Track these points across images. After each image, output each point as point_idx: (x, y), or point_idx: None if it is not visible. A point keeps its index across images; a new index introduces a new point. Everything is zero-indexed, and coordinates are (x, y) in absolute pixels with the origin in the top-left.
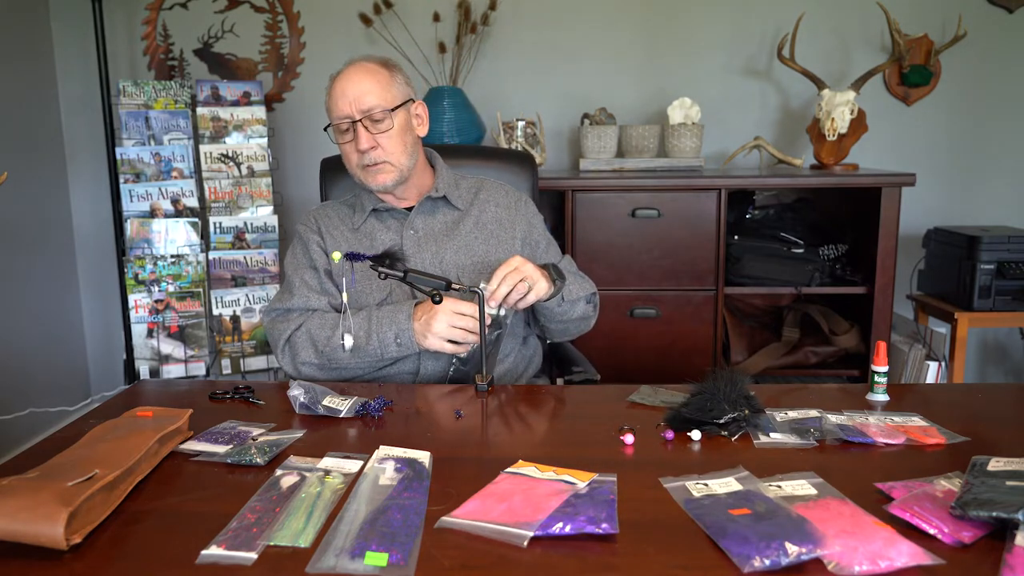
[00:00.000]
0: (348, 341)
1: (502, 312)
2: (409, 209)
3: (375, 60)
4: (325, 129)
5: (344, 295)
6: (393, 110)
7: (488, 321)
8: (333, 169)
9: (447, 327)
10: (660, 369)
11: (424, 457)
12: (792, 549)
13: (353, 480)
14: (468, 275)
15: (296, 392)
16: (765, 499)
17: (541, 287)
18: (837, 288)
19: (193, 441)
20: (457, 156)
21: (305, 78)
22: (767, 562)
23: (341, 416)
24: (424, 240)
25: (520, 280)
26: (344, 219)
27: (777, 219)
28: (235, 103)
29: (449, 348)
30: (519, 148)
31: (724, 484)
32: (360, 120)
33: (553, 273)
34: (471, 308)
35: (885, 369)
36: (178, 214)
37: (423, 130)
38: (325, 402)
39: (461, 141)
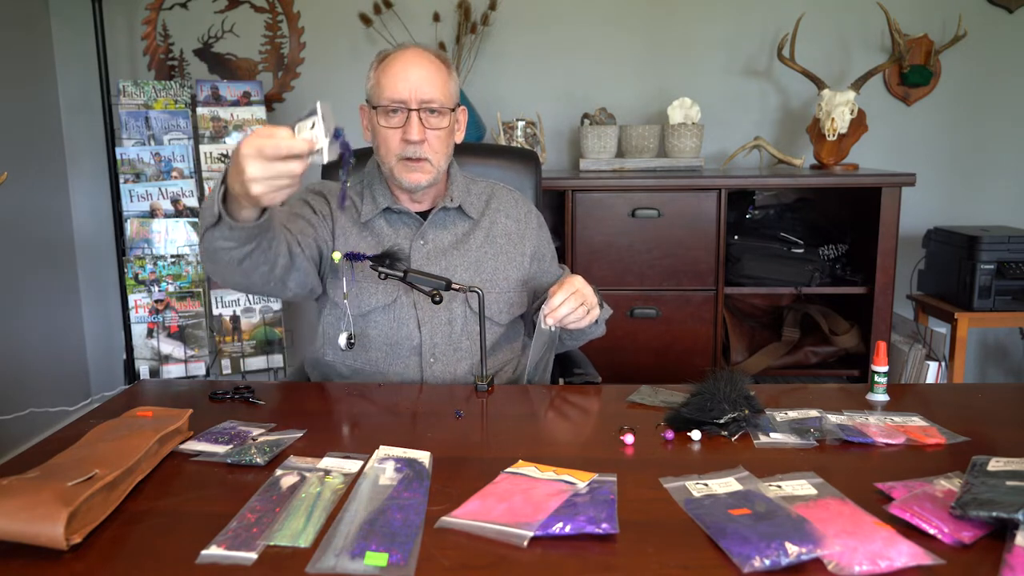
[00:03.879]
0: (342, 339)
1: (554, 329)
2: (421, 214)
3: (435, 52)
4: (368, 105)
5: (344, 295)
6: (453, 110)
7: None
8: (335, 167)
9: (255, 150)
10: (660, 369)
11: (424, 457)
12: (792, 549)
13: (353, 480)
14: None
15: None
16: (765, 499)
17: (595, 312)
18: (837, 288)
19: (193, 441)
20: (460, 154)
21: (305, 78)
22: (767, 562)
23: (324, 162)
24: (433, 253)
25: (580, 304)
26: (350, 209)
27: (777, 219)
28: (235, 103)
29: (256, 187)
30: (517, 146)
31: (724, 484)
32: (417, 109)
33: (599, 297)
34: (284, 132)
35: (885, 369)
36: (178, 214)
37: (459, 136)
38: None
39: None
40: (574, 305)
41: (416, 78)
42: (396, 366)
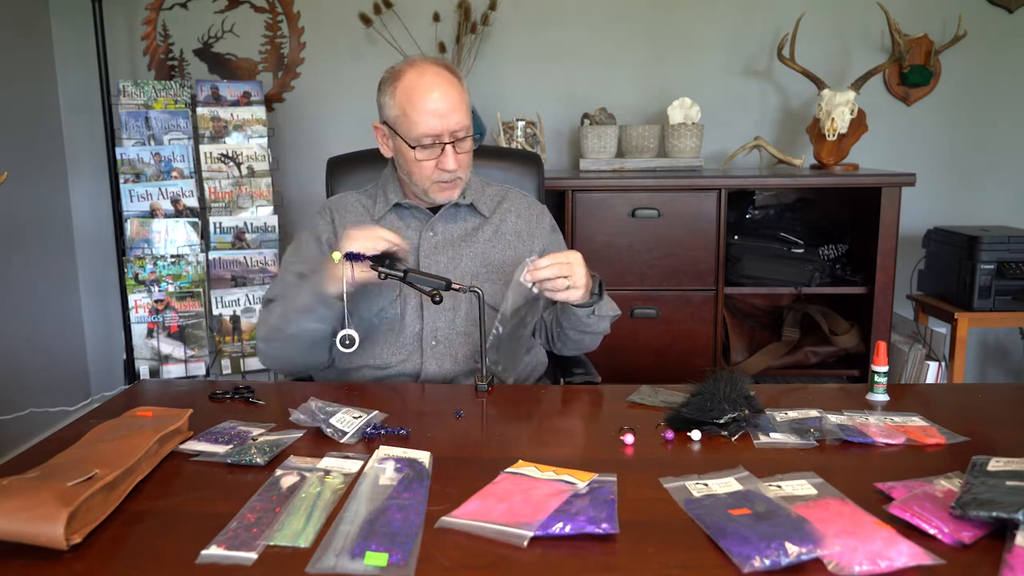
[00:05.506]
0: (355, 337)
1: (535, 291)
2: (432, 209)
3: (449, 69)
4: (388, 128)
5: (344, 295)
6: (478, 135)
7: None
8: (340, 168)
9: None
10: (660, 369)
11: (424, 457)
12: (792, 549)
13: (353, 480)
14: (481, 283)
15: (298, 417)
16: (765, 499)
17: (576, 293)
18: (837, 288)
19: (193, 441)
20: None
21: (305, 78)
22: (767, 562)
23: (343, 441)
24: (442, 244)
25: (564, 276)
26: (364, 209)
27: (777, 219)
28: (235, 103)
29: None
30: (520, 148)
31: (724, 484)
32: (451, 142)
33: (596, 287)
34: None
35: (885, 369)
36: (178, 214)
37: None
38: (333, 420)
39: None
40: (556, 272)
41: (445, 109)
42: (400, 352)
